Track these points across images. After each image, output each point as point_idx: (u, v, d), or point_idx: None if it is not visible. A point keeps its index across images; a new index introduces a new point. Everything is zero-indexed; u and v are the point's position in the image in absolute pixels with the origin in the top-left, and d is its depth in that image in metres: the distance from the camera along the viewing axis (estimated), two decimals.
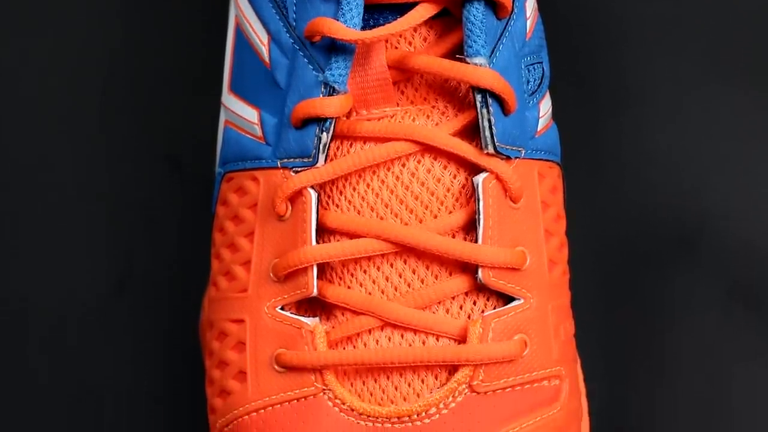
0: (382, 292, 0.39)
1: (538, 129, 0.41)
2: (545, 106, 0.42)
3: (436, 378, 0.38)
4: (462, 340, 0.38)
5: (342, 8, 0.38)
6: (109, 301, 0.52)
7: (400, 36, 0.39)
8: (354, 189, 0.39)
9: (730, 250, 0.52)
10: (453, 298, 0.39)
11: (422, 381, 0.38)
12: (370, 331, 0.39)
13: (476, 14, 0.38)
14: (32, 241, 0.53)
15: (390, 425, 0.38)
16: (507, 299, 0.39)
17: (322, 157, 0.39)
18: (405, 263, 0.39)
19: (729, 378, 0.50)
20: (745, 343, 0.51)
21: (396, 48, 0.39)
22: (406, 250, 0.39)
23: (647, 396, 0.50)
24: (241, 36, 0.41)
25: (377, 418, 0.38)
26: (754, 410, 0.50)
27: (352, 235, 0.39)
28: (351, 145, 0.39)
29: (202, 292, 0.45)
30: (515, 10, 0.40)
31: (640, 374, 0.50)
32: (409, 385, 0.38)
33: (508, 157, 0.39)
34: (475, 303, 0.39)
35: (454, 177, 0.39)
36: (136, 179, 0.53)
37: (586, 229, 0.50)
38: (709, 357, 0.51)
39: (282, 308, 0.39)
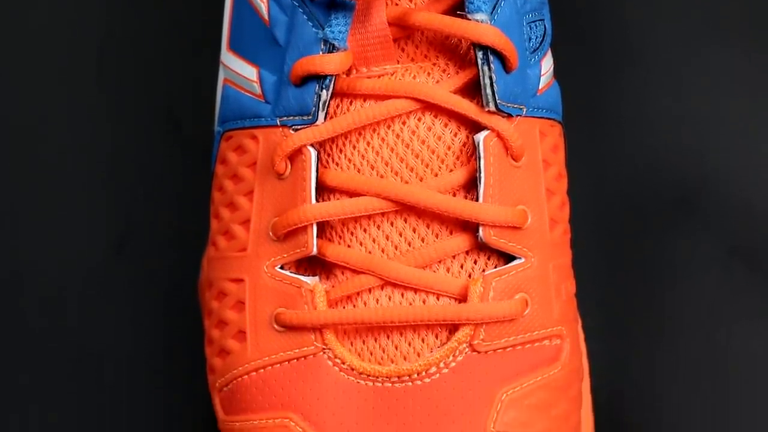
0: (382, 251, 0.38)
1: (540, 87, 0.40)
2: (547, 64, 0.41)
3: (437, 337, 0.38)
4: (462, 299, 0.38)
5: None
6: (108, 261, 0.51)
7: None
8: (354, 147, 0.39)
9: (732, 210, 0.51)
10: (453, 257, 0.38)
11: (422, 340, 0.38)
12: (370, 290, 0.38)
13: None
14: (30, 201, 0.52)
15: (390, 384, 0.38)
16: (508, 258, 0.39)
17: (321, 115, 0.38)
18: (405, 222, 0.39)
19: (729, 338, 0.50)
20: (745, 303, 0.51)
21: (396, 5, 0.39)
22: (406, 209, 0.38)
23: (648, 356, 0.50)
24: None
25: (377, 377, 0.38)
26: (754, 370, 0.50)
27: (351, 194, 0.39)
28: (351, 103, 0.39)
29: (202, 252, 0.45)
30: None
31: (641, 334, 0.50)
32: (409, 345, 0.38)
33: (510, 115, 0.39)
34: (475, 262, 0.39)
35: (455, 135, 0.39)
36: (134, 138, 0.53)
37: (587, 188, 0.49)
38: (710, 317, 0.50)
39: (281, 267, 0.39)
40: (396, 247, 0.38)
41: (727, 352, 0.50)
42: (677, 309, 0.51)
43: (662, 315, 0.50)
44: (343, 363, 0.38)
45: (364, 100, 0.39)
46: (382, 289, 0.38)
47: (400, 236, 0.38)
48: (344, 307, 0.38)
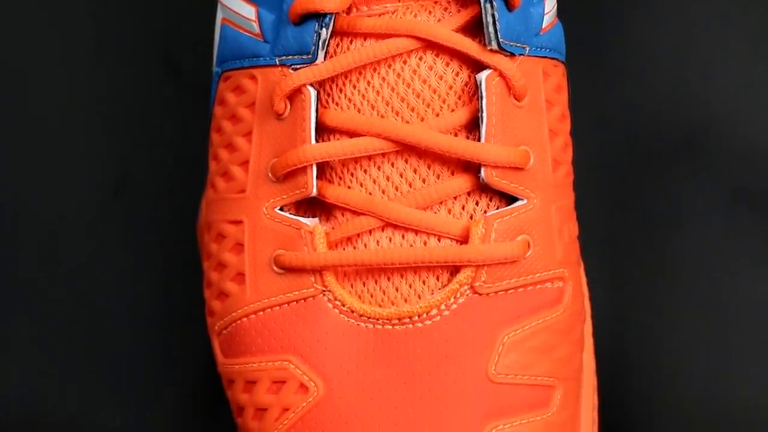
0: (383, 192, 0.38)
1: (543, 26, 0.40)
2: (550, 2, 0.41)
3: (438, 279, 0.38)
4: (464, 240, 0.38)
5: None
6: (105, 205, 0.51)
7: None
8: (354, 87, 0.38)
9: (735, 152, 0.51)
10: (455, 198, 0.38)
11: (423, 282, 0.38)
12: (370, 232, 0.38)
13: None
14: (27, 146, 0.52)
15: (390, 327, 0.37)
16: (510, 200, 0.39)
17: (321, 54, 0.38)
18: (406, 162, 0.38)
19: (732, 282, 0.50)
20: (748, 247, 0.50)
21: None
22: (407, 149, 0.38)
23: (650, 300, 0.50)
24: None
25: (377, 319, 0.37)
26: (756, 314, 0.50)
27: (352, 134, 0.38)
28: (351, 42, 0.38)
29: (200, 195, 0.44)
30: None
31: (643, 278, 0.50)
32: (410, 287, 0.38)
33: (512, 54, 0.38)
34: (477, 203, 0.38)
35: (457, 74, 0.38)
36: (132, 81, 0.52)
37: (589, 131, 0.49)
38: (713, 261, 0.50)
39: (281, 209, 0.39)
40: (396, 188, 0.38)
41: (729, 296, 0.50)
42: (679, 253, 0.50)
43: (664, 259, 0.50)
44: (343, 305, 0.38)
45: (365, 39, 0.38)
46: (382, 230, 0.38)
47: (401, 177, 0.38)
48: (344, 249, 0.38)
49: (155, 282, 0.50)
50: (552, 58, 0.40)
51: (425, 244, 0.38)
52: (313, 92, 0.38)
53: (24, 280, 0.51)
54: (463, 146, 0.37)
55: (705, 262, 0.50)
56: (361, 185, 0.38)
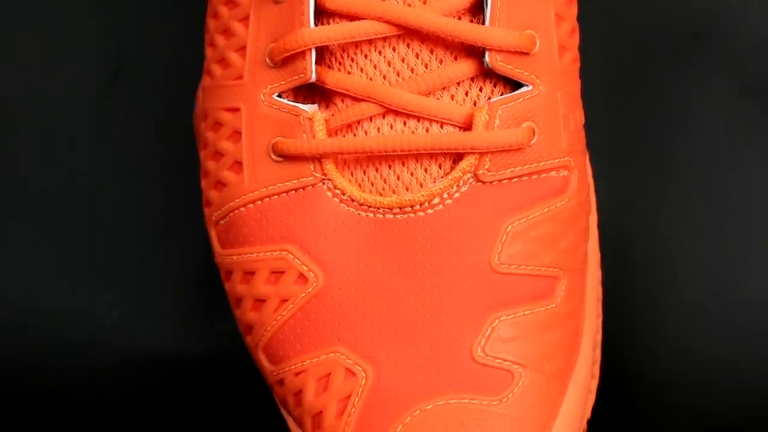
0: (384, 78, 0.37)
1: None
2: None
3: (440, 167, 0.37)
4: (467, 127, 0.37)
5: None
6: (101, 93, 0.50)
7: None
8: None
9: (745, 45, 0.50)
10: (458, 83, 0.37)
11: (425, 170, 0.37)
12: (371, 119, 0.37)
13: None
14: (21, 36, 0.51)
15: (392, 215, 0.37)
16: (514, 86, 0.38)
17: None
18: (408, 47, 0.37)
19: (740, 177, 0.49)
20: (757, 142, 0.50)
21: None
22: (409, 33, 0.37)
23: (656, 193, 0.49)
24: None
25: (378, 208, 0.37)
26: (762, 208, 0.49)
27: (352, 17, 0.37)
28: None
29: (197, 83, 0.43)
30: None
31: (649, 171, 0.49)
32: (411, 175, 0.37)
33: None
34: (481, 89, 0.37)
35: None
36: None
37: (596, 20, 0.48)
38: (720, 155, 0.49)
39: (279, 95, 0.38)
40: (398, 74, 0.37)
41: (736, 190, 0.49)
42: (686, 146, 0.50)
43: (671, 152, 0.50)
44: (343, 194, 0.37)
45: None
46: (383, 117, 0.37)
47: (403, 62, 0.37)
48: (344, 136, 0.37)
49: (152, 173, 0.50)
50: None
51: (427, 130, 0.37)
52: None
53: (20, 173, 0.51)
54: (467, 29, 0.36)
55: (712, 155, 0.49)
56: (362, 70, 0.37)
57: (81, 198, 0.50)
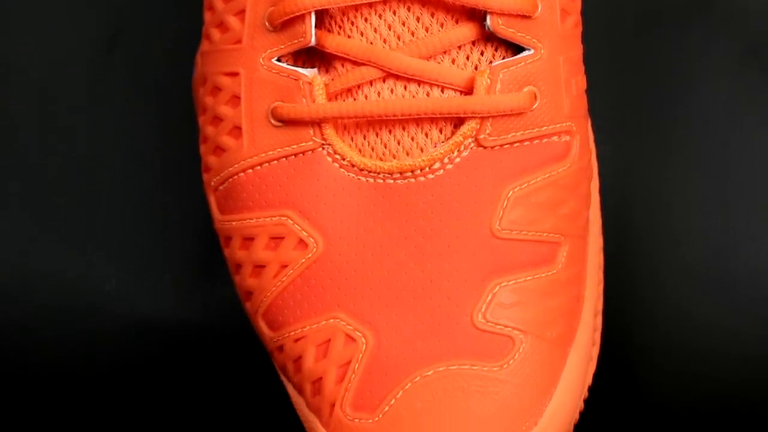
0: (384, 42, 0.37)
1: None
2: None
3: (441, 132, 0.37)
4: (468, 91, 0.37)
5: None
6: (99, 59, 0.50)
7: None
8: None
9: (748, 8, 0.50)
10: (459, 47, 0.37)
11: (426, 135, 0.37)
12: (371, 83, 0.37)
13: None
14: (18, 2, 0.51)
15: (392, 181, 0.36)
16: (516, 50, 0.37)
17: None
18: (408, 10, 0.37)
19: (740, 143, 0.49)
20: (760, 106, 0.49)
21: None
22: None
23: (658, 159, 0.49)
24: None
25: (378, 173, 0.37)
26: (764, 175, 0.49)
27: None
28: None
29: (196, 49, 0.43)
30: None
31: (651, 136, 0.49)
32: (412, 140, 0.37)
33: None
34: (482, 53, 0.37)
35: None
36: None
37: None
38: (723, 120, 0.49)
39: (278, 59, 0.38)
40: (399, 38, 0.37)
41: (737, 157, 0.49)
42: (688, 112, 0.49)
43: (673, 118, 0.49)
44: (343, 159, 0.37)
45: None
46: (383, 81, 0.37)
47: (403, 26, 0.37)
48: (344, 101, 0.37)
49: (150, 139, 0.49)
50: None
51: (428, 95, 0.37)
52: None
53: (19, 141, 0.50)
54: None
55: (713, 122, 0.49)
56: (362, 34, 0.37)
57: (80, 165, 0.50)
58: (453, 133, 0.37)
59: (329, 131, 0.37)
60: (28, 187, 0.50)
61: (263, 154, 0.38)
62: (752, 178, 0.49)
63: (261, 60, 0.38)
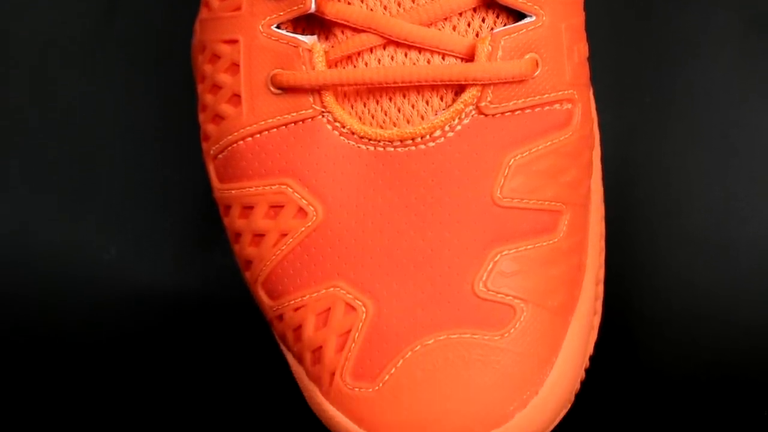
0: (385, 8, 0.37)
1: None
2: None
3: (442, 99, 0.36)
4: (469, 59, 0.36)
5: None
6: (99, 23, 0.50)
7: None
8: None
9: None
10: (460, 14, 0.37)
11: (427, 102, 0.36)
12: (371, 50, 0.37)
13: None
14: None
15: (392, 148, 0.36)
16: (517, 17, 0.37)
17: None
18: None
19: (743, 110, 0.49)
20: (762, 75, 0.49)
21: None
22: None
23: (660, 127, 0.49)
24: None
25: (379, 141, 0.36)
26: (765, 143, 0.49)
27: None
28: None
29: (195, 15, 0.43)
30: None
31: (653, 105, 0.49)
32: (413, 107, 0.36)
33: None
34: (483, 20, 0.37)
35: None
36: None
37: None
38: (725, 89, 0.49)
39: (278, 26, 0.37)
40: (399, 4, 0.37)
41: (739, 124, 0.49)
42: (690, 80, 0.49)
43: (675, 86, 0.49)
44: (343, 126, 0.36)
45: None
46: (384, 48, 0.37)
47: None
48: (344, 68, 0.37)
49: (149, 105, 0.49)
50: None
51: (429, 62, 0.36)
52: None
53: (18, 110, 0.50)
54: None
55: (716, 89, 0.49)
56: (362, 1, 0.37)
57: (80, 134, 0.50)
58: (454, 101, 0.36)
59: (329, 99, 0.37)
60: (27, 158, 0.50)
61: (263, 122, 0.37)
62: (752, 147, 0.49)
63: (260, 27, 0.37)
